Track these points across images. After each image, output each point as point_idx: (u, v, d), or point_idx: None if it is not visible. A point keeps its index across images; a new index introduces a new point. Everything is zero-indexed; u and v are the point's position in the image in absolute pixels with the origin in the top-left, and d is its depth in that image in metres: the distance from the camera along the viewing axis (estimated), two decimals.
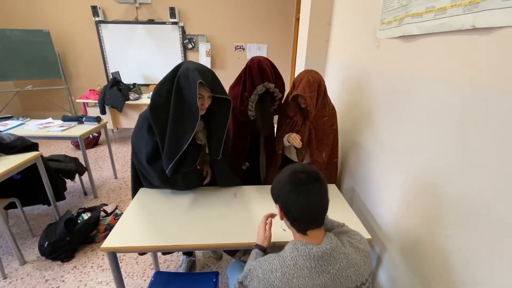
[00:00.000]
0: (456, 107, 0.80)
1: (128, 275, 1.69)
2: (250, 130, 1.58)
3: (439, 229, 0.89)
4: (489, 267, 0.70)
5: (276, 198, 0.78)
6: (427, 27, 0.90)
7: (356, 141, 1.63)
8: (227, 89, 1.42)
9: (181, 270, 1.68)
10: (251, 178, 1.71)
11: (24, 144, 1.84)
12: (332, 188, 1.50)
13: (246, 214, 1.24)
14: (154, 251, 1.53)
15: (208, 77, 1.12)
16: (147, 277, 1.68)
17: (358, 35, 1.60)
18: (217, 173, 1.41)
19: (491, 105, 0.69)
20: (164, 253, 1.83)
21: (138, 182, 1.42)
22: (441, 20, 0.84)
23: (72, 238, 1.81)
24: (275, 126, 1.72)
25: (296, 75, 2.69)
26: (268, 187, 1.52)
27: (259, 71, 1.38)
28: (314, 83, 1.39)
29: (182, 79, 1.08)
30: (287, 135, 1.56)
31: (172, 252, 1.81)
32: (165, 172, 1.17)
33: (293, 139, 1.45)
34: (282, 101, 1.56)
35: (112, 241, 1.05)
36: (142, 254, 1.75)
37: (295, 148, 1.55)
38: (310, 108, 1.40)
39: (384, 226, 1.26)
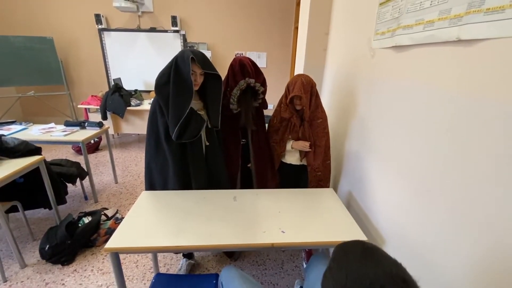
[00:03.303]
0: (444, 113, 0.85)
1: (128, 279, 1.70)
2: (238, 126, 1.65)
3: (433, 231, 0.92)
4: (485, 265, 0.74)
5: None
6: (417, 38, 0.96)
7: (351, 145, 1.67)
8: None
9: (181, 273, 1.70)
10: (244, 182, 1.79)
11: (27, 148, 1.88)
12: (329, 192, 1.54)
13: (246, 216, 1.27)
14: (155, 251, 1.55)
15: (200, 56, 1.32)
16: (147, 280, 1.69)
17: (355, 45, 1.66)
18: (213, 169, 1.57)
19: (476, 112, 0.73)
20: (175, 252, 1.85)
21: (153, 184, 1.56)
22: (429, 32, 0.89)
23: (73, 241, 1.82)
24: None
25: None
26: (267, 190, 1.57)
27: (240, 68, 1.50)
28: (307, 84, 1.52)
29: (179, 59, 1.31)
30: (291, 142, 1.68)
31: (179, 252, 1.84)
32: (177, 157, 1.40)
33: (304, 146, 1.63)
34: (265, 97, 1.65)
35: (114, 242, 1.08)
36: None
37: (300, 151, 1.69)
38: (306, 107, 1.52)
39: (380, 228, 1.29)
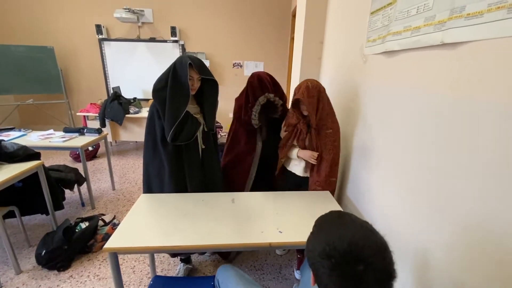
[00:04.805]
0: (432, 112, 0.90)
1: (125, 284, 1.68)
2: (255, 139, 1.69)
3: (427, 230, 0.95)
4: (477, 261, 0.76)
5: (310, 265, 0.57)
6: (405, 43, 1.02)
7: (347, 149, 1.71)
8: (230, 105, 1.70)
9: None
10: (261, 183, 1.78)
11: (27, 153, 1.89)
12: (326, 195, 1.56)
13: (244, 217, 1.29)
14: (154, 251, 1.55)
15: (197, 62, 1.37)
16: (144, 286, 1.68)
17: (348, 52, 1.73)
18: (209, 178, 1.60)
19: (458, 110, 0.78)
20: (172, 256, 1.83)
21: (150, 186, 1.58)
22: (416, 38, 0.95)
23: (70, 246, 1.81)
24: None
25: (291, 90, 2.82)
26: (265, 193, 1.59)
27: (259, 84, 1.53)
28: (313, 89, 1.43)
29: (177, 65, 1.36)
30: (297, 150, 1.57)
31: (180, 254, 1.83)
32: (173, 159, 1.42)
33: (311, 156, 1.49)
34: (283, 108, 1.65)
35: (113, 242, 1.09)
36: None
37: (305, 161, 1.58)
38: (310, 113, 1.43)
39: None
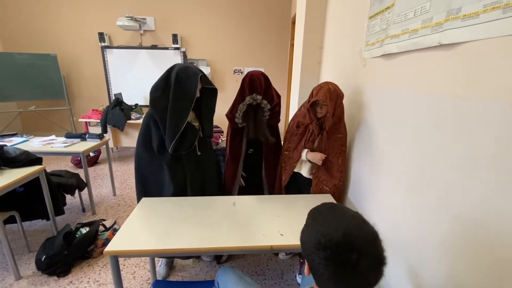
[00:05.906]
0: (431, 113, 0.90)
1: None
2: (246, 137, 1.69)
3: (424, 226, 0.95)
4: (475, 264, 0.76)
5: (305, 256, 0.58)
6: (403, 46, 1.04)
7: (348, 151, 1.71)
8: (226, 109, 1.67)
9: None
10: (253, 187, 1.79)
11: (29, 158, 1.89)
12: (328, 198, 1.56)
13: (245, 221, 1.29)
14: (154, 255, 1.54)
15: (203, 73, 1.41)
16: None
17: (347, 56, 1.75)
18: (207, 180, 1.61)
19: (457, 110, 0.79)
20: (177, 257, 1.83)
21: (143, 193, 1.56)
22: (414, 40, 0.97)
23: (70, 252, 1.80)
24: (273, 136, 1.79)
25: (291, 95, 2.84)
26: (266, 196, 1.59)
27: (249, 84, 1.51)
28: (334, 92, 1.43)
29: (181, 74, 1.35)
30: (307, 152, 1.56)
31: (190, 257, 1.82)
32: (173, 164, 1.42)
33: (319, 160, 1.49)
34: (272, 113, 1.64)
35: (114, 245, 1.09)
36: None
37: (311, 163, 1.59)
38: (329, 115, 1.41)
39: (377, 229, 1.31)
